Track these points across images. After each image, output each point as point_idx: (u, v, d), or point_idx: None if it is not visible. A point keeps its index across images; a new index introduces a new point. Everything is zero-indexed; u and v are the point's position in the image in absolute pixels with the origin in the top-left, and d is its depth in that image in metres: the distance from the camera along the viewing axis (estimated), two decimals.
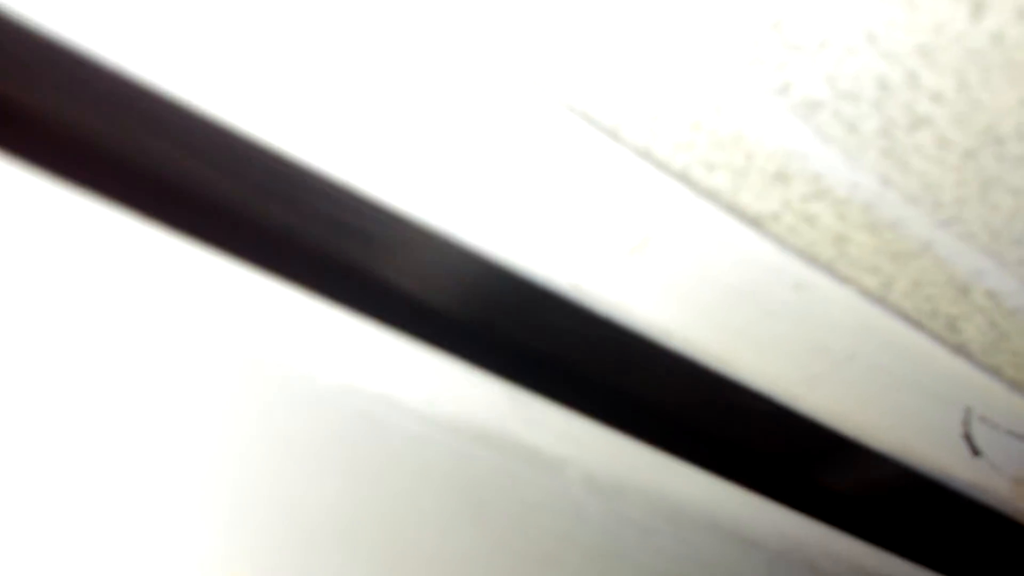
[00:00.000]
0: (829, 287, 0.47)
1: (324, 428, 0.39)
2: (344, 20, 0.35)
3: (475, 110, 0.39)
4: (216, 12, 0.34)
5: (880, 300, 0.48)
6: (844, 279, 0.47)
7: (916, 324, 0.50)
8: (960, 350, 0.52)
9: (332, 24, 0.35)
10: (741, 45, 0.37)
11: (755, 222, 0.44)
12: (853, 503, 0.61)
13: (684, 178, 0.42)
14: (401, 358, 0.43)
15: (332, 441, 0.39)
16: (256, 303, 0.39)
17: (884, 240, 0.45)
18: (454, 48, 0.37)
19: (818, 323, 0.49)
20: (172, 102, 0.36)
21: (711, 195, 0.43)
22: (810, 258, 0.46)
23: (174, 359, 0.37)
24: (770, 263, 0.45)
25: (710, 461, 0.52)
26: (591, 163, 0.41)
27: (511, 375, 0.46)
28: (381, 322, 0.42)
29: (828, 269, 0.46)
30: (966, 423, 0.56)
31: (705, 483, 0.52)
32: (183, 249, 0.38)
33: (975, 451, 0.58)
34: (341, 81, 0.37)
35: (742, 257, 0.45)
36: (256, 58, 0.35)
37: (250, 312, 0.39)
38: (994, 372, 0.54)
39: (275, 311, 0.39)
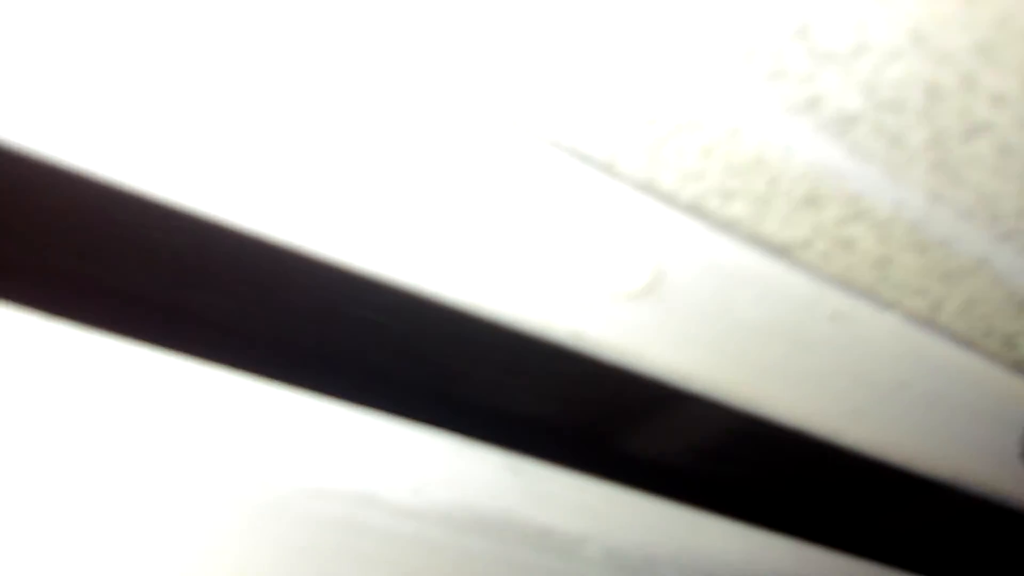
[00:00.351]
0: (871, 314, 0.41)
1: (290, 542, 0.33)
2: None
3: (441, 150, 0.32)
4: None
5: (928, 323, 0.42)
6: (887, 304, 0.41)
7: (969, 345, 0.44)
8: (1019, 367, 0.46)
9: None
10: (759, 57, 0.30)
11: (782, 252, 0.38)
12: (909, 536, 0.55)
13: (696, 210, 0.36)
14: (375, 441, 0.36)
15: (301, 557, 0.32)
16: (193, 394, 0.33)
17: (933, 260, 0.38)
18: (419, 93, 0.30)
19: (860, 353, 0.42)
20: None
21: (729, 226, 0.36)
22: (847, 285, 0.39)
23: (106, 462, 0.31)
24: (802, 294, 0.39)
25: (747, 512, 0.46)
26: (585, 201, 0.35)
27: (510, 444, 0.40)
28: (344, 400, 0.36)
29: (869, 295, 0.40)
30: None
31: (743, 538, 0.46)
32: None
33: None
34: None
35: (769, 290, 0.39)
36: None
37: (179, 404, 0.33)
38: None
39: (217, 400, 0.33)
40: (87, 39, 0.27)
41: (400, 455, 0.37)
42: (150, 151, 0.29)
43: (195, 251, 0.33)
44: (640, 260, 0.37)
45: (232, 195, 0.30)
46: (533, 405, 0.43)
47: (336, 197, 0.32)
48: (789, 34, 0.29)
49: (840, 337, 0.41)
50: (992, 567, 0.59)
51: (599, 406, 0.43)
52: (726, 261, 0.37)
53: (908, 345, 0.42)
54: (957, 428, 0.48)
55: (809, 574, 0.47)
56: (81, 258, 0.34)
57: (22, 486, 0.29)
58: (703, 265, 0.37)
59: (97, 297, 0.34)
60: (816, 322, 0.40)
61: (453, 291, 0.37)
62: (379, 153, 0.32)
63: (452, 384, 0.42)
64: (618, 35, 0.30)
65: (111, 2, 0.26)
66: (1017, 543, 0.57)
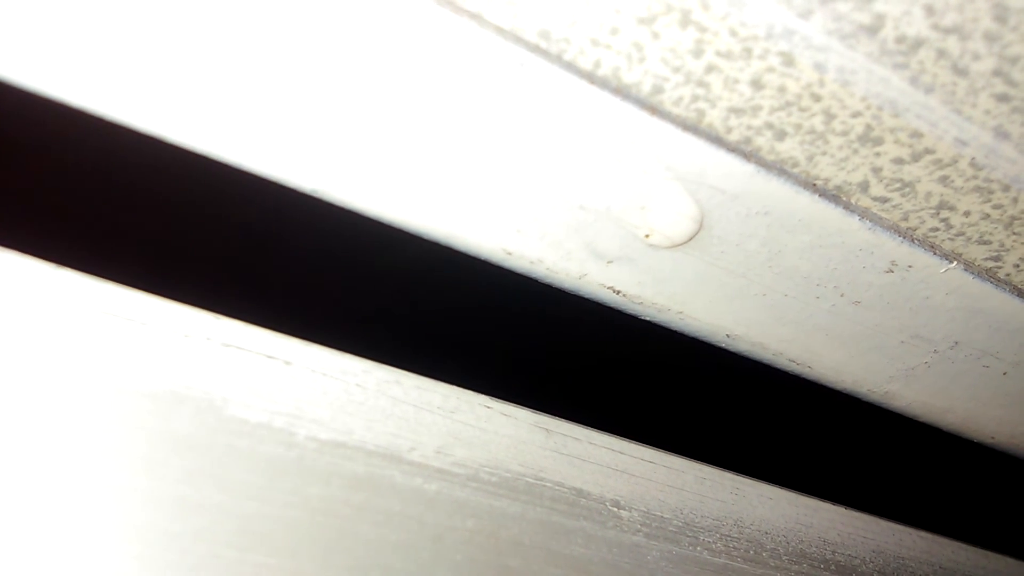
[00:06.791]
0: (928, 265, 0.38)
1: (308, 498, 0.31)
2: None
3: (470, 87, 0.30)
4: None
5: (989, 275, 0.39)
6: (946, 254, 0.38)
7: None
8: None
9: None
10: None
11: (837, 196, 0.35)
12: (963, 505, 0.53)
13: (744, 149, 0.33)
14: (396, 397, 0.34)
15: (318, 514, 0.31)
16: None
17: (996, 205, 0.36)
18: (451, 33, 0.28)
19: (915, 308, 0.40)
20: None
21: (780, 167, 0.34)
22: (905, 233, 0.37)
23: (80, 404, 0.29)
24: (856, 243, 0.36)
25: (790, 478, 0.44)
26: (623, 141, 0.32)
27: (541, 402, 0.38)
28: (362, 355, 0.34)
29: (927, 244, 0.37)
30: None
31: (787, 504, 0.43)
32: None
33: None
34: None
35: (822, 239, 0.36)
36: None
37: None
38: None
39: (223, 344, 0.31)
40: None
41: (423, 413, 0.35)
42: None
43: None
44: (683, 206, 0.34)
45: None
46: (566, 364, 0.41)
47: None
48: None
49: (894, 291, 0.39)
50: None
51: (637, 366, 0.41)
52: (776, 206, 0.35)
53: (967, 299, 0.40)
54: (1016, 390, 0.45)
55: (857, 541, 0.45)
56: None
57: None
58: (751, 211, 0.35)
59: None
60: (870, 274, 0.38)
61: (476, 239, 0.35)
62: (437, 109, 0.30)
63: (477, 339, 0.40)
64: None
65: None
66: None
